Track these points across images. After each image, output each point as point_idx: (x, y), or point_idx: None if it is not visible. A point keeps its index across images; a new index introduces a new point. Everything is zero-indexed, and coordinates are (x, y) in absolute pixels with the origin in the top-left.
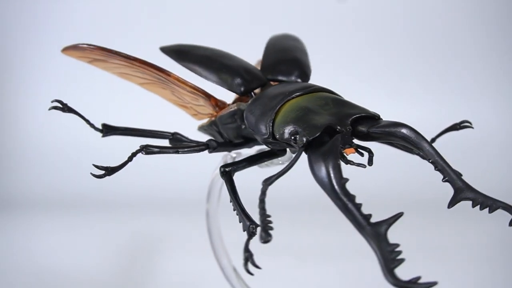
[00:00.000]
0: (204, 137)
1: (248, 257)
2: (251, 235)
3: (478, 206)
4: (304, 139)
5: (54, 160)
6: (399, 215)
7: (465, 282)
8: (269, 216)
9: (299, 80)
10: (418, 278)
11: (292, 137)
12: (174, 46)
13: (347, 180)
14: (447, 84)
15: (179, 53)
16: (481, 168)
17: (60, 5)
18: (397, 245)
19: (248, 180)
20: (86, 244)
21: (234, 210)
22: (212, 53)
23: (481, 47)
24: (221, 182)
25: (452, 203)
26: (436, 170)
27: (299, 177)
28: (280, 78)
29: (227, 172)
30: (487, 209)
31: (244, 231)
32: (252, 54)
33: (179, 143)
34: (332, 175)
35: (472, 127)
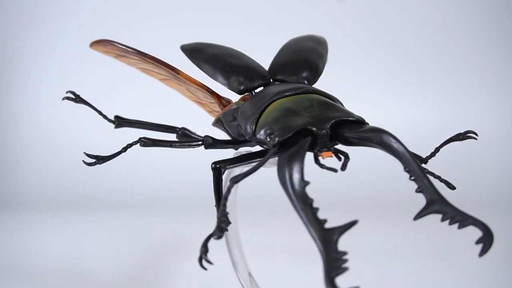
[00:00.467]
0: (219, 133)
1: (203, 253)
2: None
3: (448, 220)
4: (276, 139)
5: (54, 160)
6: (353, 223)
7: (465, 282)
8: (227, 213)
9: (305, 81)
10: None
11: (268, 138)
12: (191, 44)
13: (307, 183)
14: (448, 83)
15: (192, 51)
16: (482, 168)
17: (64, 4)
18: (344, 253)
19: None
20: (87, 244)
21: (215, 205)
22: (221, 52)
23: (483, 46)
24: None
25: (420, 215)
26: (411, 179)
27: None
28: (286, 78)
29: (217, 168)
30: (457, 224)
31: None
32: (253, 54)
33: (184, 138)
34: (292, 176)
35: (476, 138)
